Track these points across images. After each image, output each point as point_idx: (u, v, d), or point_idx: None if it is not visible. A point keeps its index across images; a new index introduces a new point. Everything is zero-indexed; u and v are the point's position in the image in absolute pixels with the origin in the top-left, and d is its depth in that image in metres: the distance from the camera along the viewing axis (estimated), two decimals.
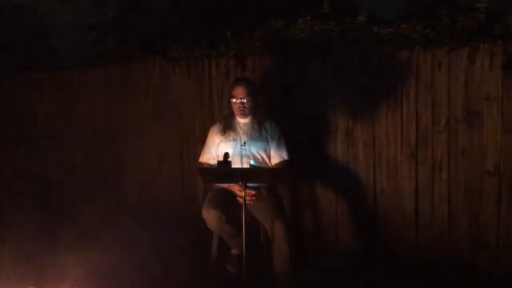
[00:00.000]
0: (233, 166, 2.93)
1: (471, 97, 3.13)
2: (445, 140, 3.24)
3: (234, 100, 3.17)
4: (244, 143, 3.17)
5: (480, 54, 3.08)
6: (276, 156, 3.23)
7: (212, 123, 3.49)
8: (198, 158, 3.42)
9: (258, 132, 3.21)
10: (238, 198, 3.06)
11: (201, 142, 3.49)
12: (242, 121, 3.24)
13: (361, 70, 3.52)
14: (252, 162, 3.15)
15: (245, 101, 3.15)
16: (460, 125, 3.18)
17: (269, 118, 3.28)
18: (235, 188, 3.06)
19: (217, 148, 3.25)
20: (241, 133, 3.22)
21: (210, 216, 2.98)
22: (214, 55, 4.30)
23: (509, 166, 3.03)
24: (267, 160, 3.23)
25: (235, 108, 3.19)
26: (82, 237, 3.75)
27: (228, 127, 3.23)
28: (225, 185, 3.14)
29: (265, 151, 3.21)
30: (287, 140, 3.29)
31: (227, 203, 3.05)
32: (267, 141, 3.22)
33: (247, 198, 2.91)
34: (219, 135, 3.25)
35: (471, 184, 3.16)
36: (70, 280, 2.91)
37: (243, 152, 3.16)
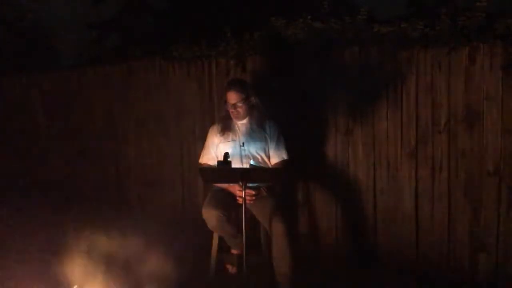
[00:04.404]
0: (233, 166, 2.93)
1: (471, 97, 3.12)
2: (445, 140, 3.24)
3: (228, 103, 3.18)
4: (243, 143, 3.17)
5: (480, 54, 3.08)
6: (275, 156, 3.23)
7: (211, 124, 3.49)
8: (198, 158, 3.42)
9: (257, 132, 3.21)
10: (238, 198, 3.06)
11: (201, 142, 3.49)
12: (240, 122, 3.23)
13: (361, 70, 3.52)
14: (252, 162, 3.14)
15: (239, 104, 3.15)
16: (460, 125, 3.17)
17: (268, 118, 3.27)
18: (235, 188, 3.06)
19: (217, 148, 3.25)
20: (239, 133, 3.22)
21: (210, 216, 2.98)
22: (214, 55, 4.30)
23: (509, 166, 3.03)
24: (266, 160, 3.22)
25: (229, 112, 3.20)
26: (81, 236, 3.75)
27: (226, 128, 3.23)
28: (225, 185, 3.14)
29: (264, 151, 3.21)
30: (287, 140, 3.29)
31: (227, 203, 3.05)
32: (266, 141, 3.22)
33: (247, 198, 2.91)
34: (218, 135, 3.25)
35: (471, 184, 3.16)
36: (68, 280, 2.92)
37: (243, 153, 3.15)
